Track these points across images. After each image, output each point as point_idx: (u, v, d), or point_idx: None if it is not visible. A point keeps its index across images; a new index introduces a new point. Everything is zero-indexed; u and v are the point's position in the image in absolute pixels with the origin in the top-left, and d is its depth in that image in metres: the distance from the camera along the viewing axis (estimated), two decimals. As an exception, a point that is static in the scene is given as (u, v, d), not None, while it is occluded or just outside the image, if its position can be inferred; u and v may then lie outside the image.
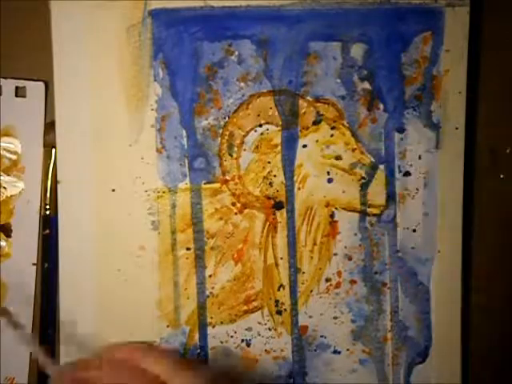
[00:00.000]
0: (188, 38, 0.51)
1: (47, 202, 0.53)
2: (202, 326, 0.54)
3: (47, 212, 0.54)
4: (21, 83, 0.53)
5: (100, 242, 0.52)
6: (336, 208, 0.54)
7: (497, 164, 0.57)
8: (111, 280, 0.52)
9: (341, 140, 0.53)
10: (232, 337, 0.54)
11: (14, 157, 0.53)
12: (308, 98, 0.52)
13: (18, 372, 0.54)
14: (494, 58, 0.56)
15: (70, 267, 0.52)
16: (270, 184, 0.53)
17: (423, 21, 0.52)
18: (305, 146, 0.53)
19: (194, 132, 0.52)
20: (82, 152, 0.51)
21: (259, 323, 0.54)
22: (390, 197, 0.54)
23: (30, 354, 0.54)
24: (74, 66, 0.51)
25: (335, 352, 0.55)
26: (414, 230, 0.54)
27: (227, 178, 0.53)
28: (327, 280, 0.54)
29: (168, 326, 0.53)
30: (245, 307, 0.54)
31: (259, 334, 0.54)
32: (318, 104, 0.53)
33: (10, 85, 0.53)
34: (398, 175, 0.54)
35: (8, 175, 0.53)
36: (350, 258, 0.54)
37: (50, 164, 0.53)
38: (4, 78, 0.53)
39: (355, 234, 0.54)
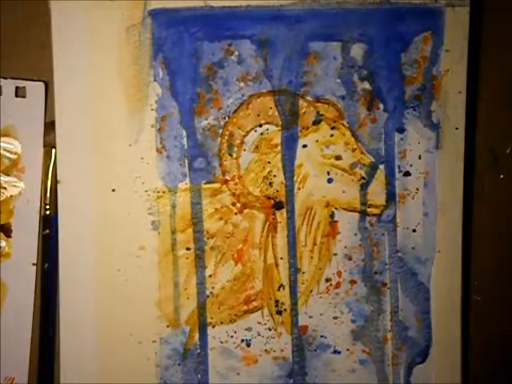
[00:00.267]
0: (188, 38, 0.51)
1: (47, 201, 0.53)
2: (202, 326, 0.54)
3: (47, 212, 0.54)
4: (21, 83, 0.53)
5: (100, 242, 0.52)
6: (336, 208, 0.54)
7: (497, 164, 0.57)
8: (111, 280, 0.52)
9: (341, 140, 0.53)
10: (232, 337, 0.54)
11: (14, 157, 0.53)
12: (308, 98, 0.52)
13: (18, 372, 0.54)
14: (494, 58, 0.56)
15: (70, 267, 0.52)
16: (270, 184, 0.53)
17: (423, 21, 0.52)
18: (305, 145, 0.53)
19: (194, 132, 0.52)
20: (82, 152, 0.51)
21: (259, 323, 0.54)
22: (390, 197, 0.54)
23: (30, 353, 0.54)
24: (74, 66, 0.51)
25: (335, 352, 0.55)
26: (414, 230, 0.54)
27: (227, 178, 0.53)
28: (327, 280, 0.54)
29: (168, 326, 0.53)
30: (245, 307, 0.54)
31: (259, 334, 0.54)
32: (318, 104, 0.53)
33: (10, 85, 0.53)
34: (398, 175, 0.54)
35: (8, 175, 0.53)
36: (350, 258, 0.54)
37: (49, 164, 0.53)
38: (4, 78, 0.53)
39: (355, 234, 0.54)
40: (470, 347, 0.57)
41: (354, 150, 0.53)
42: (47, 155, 0.53)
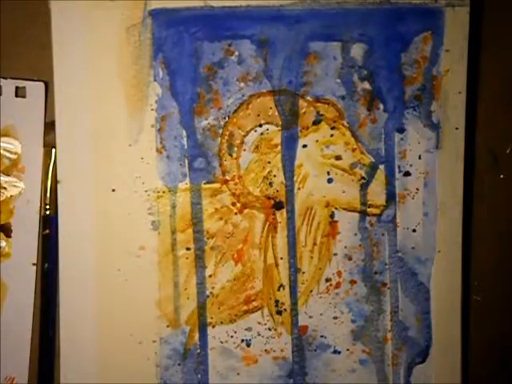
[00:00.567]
0: (188, 38, 0.51)
1: (47, 201, 0.53)
2: (202, 326, 0.54)
3: (47, 212, 0.54)
4: (21, 83, 0.53)
5: (100, 241, 0.52)
6: (336, 208, 0.54)
7: (497, 164, 0.57)
8: (111, 280, 0.52)
9: (341, 140, 0.53)
10: (232, 337, 0.54)
11: (14, 157, 0.53)
12: (308, 98, 0.52)
13: (18, 372, 0.54)
14: (494, 58, 0.56)
15: (70, 267, 0.52)
16: (270, 184, 0.53)
17: (423, 21, 0.52)
18: (305, 145, 0.53)
19: (194, 132, 0.52)
20: (82, 152, 0.51)
21: (259, 323, 0.54)
22: (390, 197, 0.54)
23: (30, 353, 0.54)
24: (74, 66, 0.51)
25: (335, 352, 0.55)
26: (414, 230, 0.54)
27: (227, 178, 0.53)
28: (327, 280, 0.54)
29: (168, 326, 0.53)
30: (245, 307, 0.54)
31: (259, 334, 0.54)
32: (318, 104, 0.53)
33: (10, 85, 0.53)
34: (398, 175, 0.54)
35: (8, 175, 0.53)
36: (350, 258, 0.54)
37: (49, 164, 0.53)
38: (4, 78, 0.53)
39: (355, 234, 0.54)
40: (470, 347, 0.57)
41: (354, 150, 0.53)
42: (47, 155, 0.53)
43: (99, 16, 0.50)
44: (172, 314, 0.53)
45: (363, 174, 0.53)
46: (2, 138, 0.53)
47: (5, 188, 0.53)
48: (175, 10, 0.51)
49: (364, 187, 0.54)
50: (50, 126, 0.53)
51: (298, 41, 0.52)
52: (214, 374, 0.54)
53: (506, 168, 0.57)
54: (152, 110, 0.51)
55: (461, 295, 0.55)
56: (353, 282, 0.54)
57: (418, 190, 0.54)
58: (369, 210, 0.54)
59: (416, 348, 0.55)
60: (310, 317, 0.54)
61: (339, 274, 0.54)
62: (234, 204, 0.53)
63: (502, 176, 0.57)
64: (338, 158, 0.53)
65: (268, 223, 0.53)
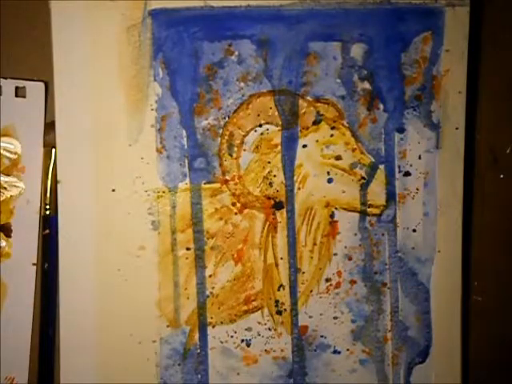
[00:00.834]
0: (188, 38, 0.51)
1: (47, 201, 0.53)
2: (202, 326, 0.54)
3: (47, 212, 0.54)
4: (21, 83, 0.53)
5: (100, 242, 0.52)
6: (336, 208, 0.54)
7: (497, 164, 0.57)
8: (111, 280, 0.52)
9: (341, 140, 0.53)
10: (232, 337, 0.54)
11: (14, 157, 0.53)
12: (308, 98, 0.52)
13: (17, 372, 0.54)
14: (494, 58, 0.56)
15: (70, 267, 0.52)
16: (270, 184, 0.53)
17: (423, 21, 0.52)
18: (305, 145, 0.53)
19: (194, 132, 0.52)
20: (82, 152, 0.51)
21: (259, 323, 0.54)
22: (390, 197, 0.54)
23: (30, 353, 0.54)
24: (74, 66, 0.51)
25: (335, 352, 0.55)
26: (414, 230, 0.54)
27: (227, 178, 0.53)
28: (327, 280, 0.54)
29: (168, 326, 0.53)
30: (245, 307, 0.54)
31: (259, 334, 0.54)
32: (318, 104, 0.53)
33: (9, 85, 0.53)
34: (398, 175, 0.54)
35: (8, 175, 0.53)
36: (350, 258, 0.54)
37: (49, 164, 0.53)
38: (4, 78, 0.53)
39: (355, 234, 0.54)
40: (470, 347, 0.57)
41: (354, 150, 0.53)
42: (47, 155, 0.53)
43: (99, 16, 0.50)
44: (172, 313, 0.53)
45: (363, 174, 0.53)
46: (2, 138, 0.53)
47: (5, 188, 0.53)
48: (175, 10, 0.51)
49: (364, 187, 0.54)
50: (50, 126, 0.53)
51: (297, 41, 0.52)
52: (214, 374, 0.54)
53: (506, 168, 0.57)
54: (152, 109, 0.51)
55: (461, 295, 0.55)
56: (353, 282, 0.54)
57: (418, 189, 0.54)
58: (369, 209, 0.54)
59: (416, 348, 0.55)
60: (310, 317, 0.54)
61: (339, 274, 0.54)
62: (234, 204, 0.53)
63: (501, 176, 0.57)
64: (338, 158, 0.53)
65: (268, 223, 0.53)
